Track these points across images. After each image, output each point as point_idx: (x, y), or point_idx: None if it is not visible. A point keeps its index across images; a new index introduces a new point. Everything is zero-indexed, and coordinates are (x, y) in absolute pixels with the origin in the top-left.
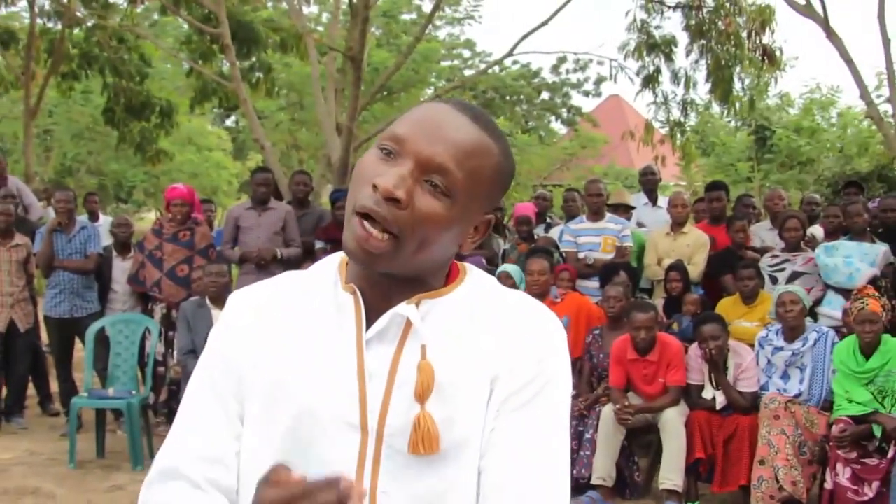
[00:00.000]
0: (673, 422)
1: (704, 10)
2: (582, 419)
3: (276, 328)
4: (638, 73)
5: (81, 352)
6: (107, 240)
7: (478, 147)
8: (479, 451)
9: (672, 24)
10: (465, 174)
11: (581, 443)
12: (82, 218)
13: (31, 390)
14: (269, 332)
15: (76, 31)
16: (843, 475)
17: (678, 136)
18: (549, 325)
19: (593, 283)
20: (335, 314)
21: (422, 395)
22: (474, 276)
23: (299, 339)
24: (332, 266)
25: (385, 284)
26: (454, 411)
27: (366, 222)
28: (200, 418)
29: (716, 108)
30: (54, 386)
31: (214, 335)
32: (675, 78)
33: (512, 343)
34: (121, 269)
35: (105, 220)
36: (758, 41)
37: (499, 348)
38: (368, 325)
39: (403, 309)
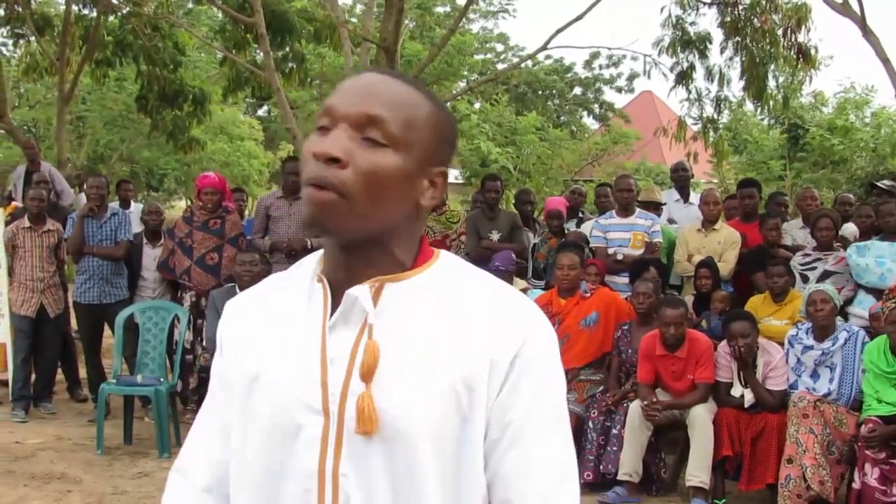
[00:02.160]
0: (701, 419)
1: (740, 7)
2: (609, 414)
3: (254, 326)
4: (672, 70)
5: (110, 338)
6: (137, 227)
7: (407, 98)
8: (438, 439)
9: (707, 21)
10: (399, 123)
11: (608, 438)
12: (113, 205)
13: (59, 376)
14: (248, 330)
15: (111, 18)
16: (872, 475)
17: (711, 133)
18: (520, 310)
19: (623, 279)
20: (307, 305)
21: (365, 375)
22: (446, 260)
23: (273, 332)
24: (312, 261)
25: (349, 265)
26: (410, 395)
27: (319, 192)
28: (204, 424)
29: (749, 105)
30: (83, 372)
31: (217, 344)
32: (708, 75)
33: (485, 335)
34: (151, 256)
35: (136, 208)
36: (793, 39)
37: (471, 340)
38: (333, 310)
39: (355, 290)
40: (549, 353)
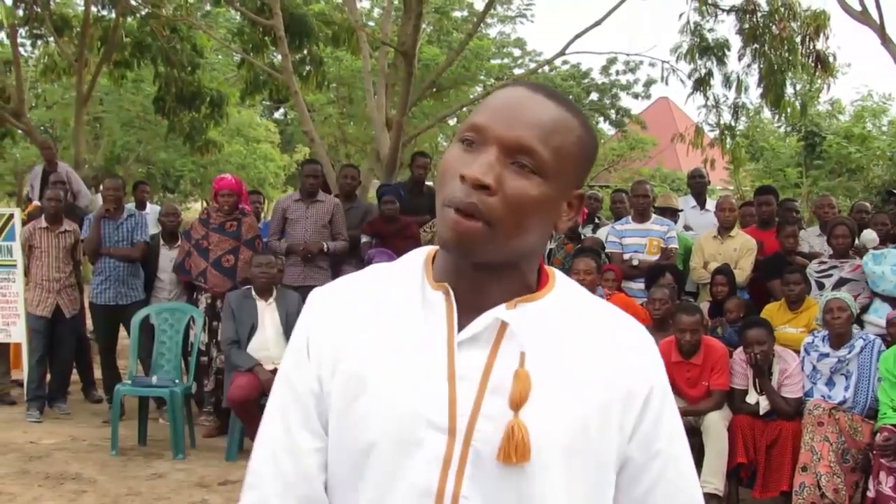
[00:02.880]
0: (715, 425)
1: (758, 14)
2: None
3: (358, 321)
4: (689, 76)
5: (126, 339)
6: (154, 229)
7: (558, 123)
8: (570, 467)
9: (725, 28)
10: (550, 151)
11: None
12: (130, 206)
13: (74, 376)
14: (351, 325)
15: (129, 19)
16: (886, 484)
17: (728, 140)
18: (645, 340)
19: (638, 285)
20: (422, 311)
21: (517, 403)
22: (562, 280)
23: (383, 334)
24: (417, 261)
25: (477, 281)
26: (547, 424)
27: (464, 220)
28: (280, 438)
29: (766, 112)
30: (98, 373)
31: (296, 336)
32: (726, 81)
33: (617, 364)
34: (167, 258)
35: (152, 209)
36: (811, 47)
37: (604, 367)
38: (459, 325)
39: (503, 313)
40: (668, 383)
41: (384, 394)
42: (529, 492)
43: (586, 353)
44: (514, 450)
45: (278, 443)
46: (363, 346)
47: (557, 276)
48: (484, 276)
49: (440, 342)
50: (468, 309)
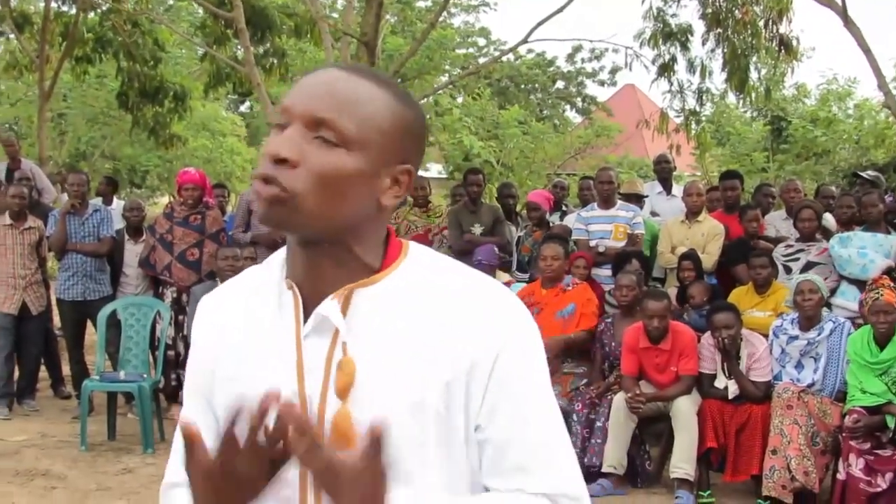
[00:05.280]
0: (685, 411)
1: None
2: (593, 407)
3: (227, 326)
4: (653, 62)
5: (93, 335)
6: (119, 223)
7: (363, 96)
8: (417, 448)
9: (688, 13)
10: (353, 123)
11: (592, 431)
12: (95, 201)
13: (43, 373)
14: (223, 331)
15: (90, 14)
16: (856, 466)
17: (693, 125)
18: (495, 304)
19: (605, 271)
20: (278, 308)
21: (341, 392)
22: (416, 255)
23: (249, 336)
24: (279, 260)
25: (312, 267)
26: (387, 408)
27: (265, 186)
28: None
29: (731, 97)
30: (66, 369)
31: (192, 342)
32: (690, 67)
33: (460, 339)
34: (133, 252)
35: (118, 204)
36: (774, 30)
37: (448, 344)
38: (307, 315)
39: (325, 308)
40: (531, 347)
41: (245, 394)
42: None
43: (426, 334)
44: (336, 439)
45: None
46: (231, 350)
47: (410, 253)
48: (317, 260)
49: (290, 338)
50: (314, 299)
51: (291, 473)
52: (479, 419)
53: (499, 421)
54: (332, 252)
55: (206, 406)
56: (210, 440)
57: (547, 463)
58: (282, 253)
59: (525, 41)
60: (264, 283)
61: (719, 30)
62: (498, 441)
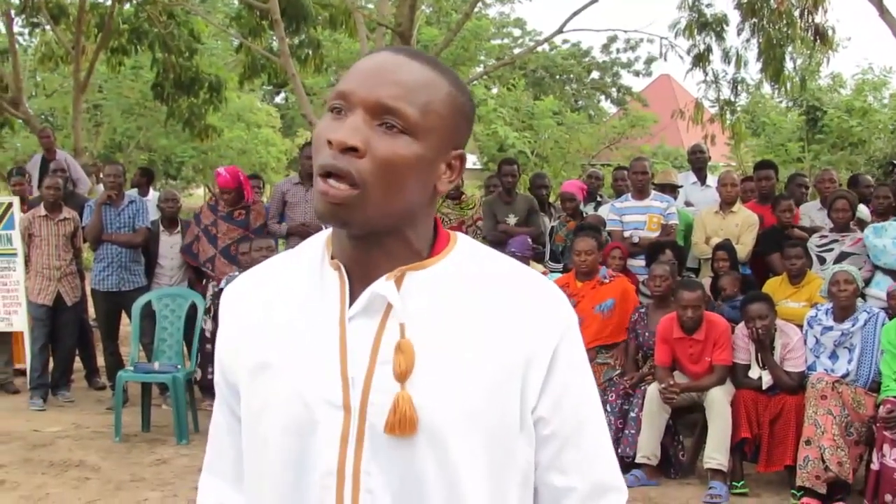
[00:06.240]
0: (719, 401)
1: None
2: (627, 398)
3: (261, 312)
4: (688, 52)
5: (128, 326)
6: (154, 215)
7: (423, 81)
8: (471, 435)
9: (723, 2)
10: (417, 109)
11: (626, 421)
12: (131, 192)
13: (77, 364)
14: (254, 317)
15: (126, 6)
16: (890, 456)
17: (728, 115)
18: (549, 299)
19: (639, 262)
20: (319, 291)
21: (401, 375)
22: (464, 245)
23: (284, 320)
24: (319, 242)
25: (363, 253)
26: (444, 393)
27: (329, 180)
28: (217, 421)
29: (767, 87)
30: (101, 360)
31: (217, 339)
32: (725, 57)
33: (517, 327)
34: (168, 244)
35: (153, 195)
36: (810, 20)
37: (504, 332)
38: (353, 300)
39: (380, 286)
40: (580, 341)
41: (282, 378)
42: (424, 464)
43: (482, 319)
44: (398, 423)
45: (221, 428)
46: (265, 334)
47: (459, 241)
48: (368, 247)
49: (333, 319)
50: (361, 282)
51: (330, 458)
52: (541, 411)
53: (564, 414)
54: (385, 241)
55: (232, 401)
56: (232, 436)
57: (603, 459)
58: (324, 235)
59: (560, 31)
60: (301, 264)
61: (754, 19)
62: (563, 435)
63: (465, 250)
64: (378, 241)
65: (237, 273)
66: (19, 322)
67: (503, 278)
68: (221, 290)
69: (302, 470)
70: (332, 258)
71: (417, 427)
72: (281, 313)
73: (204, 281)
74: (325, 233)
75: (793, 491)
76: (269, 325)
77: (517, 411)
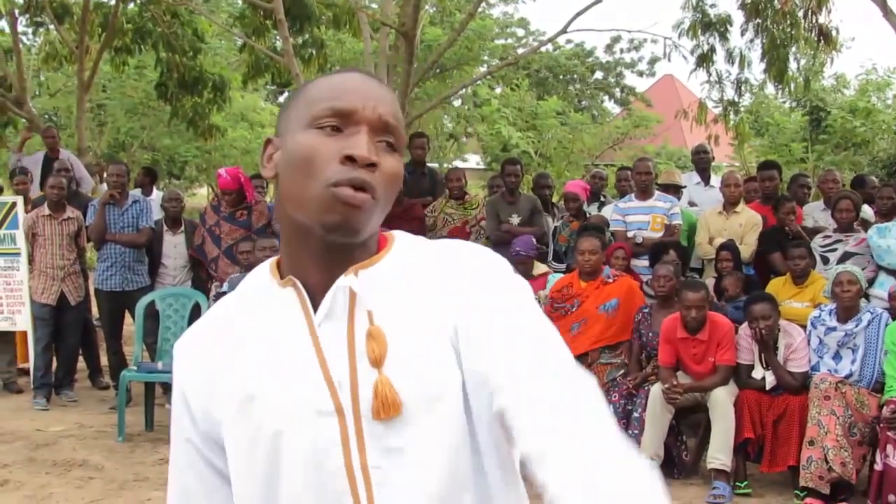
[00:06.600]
0: (722, 401)
1: None
2: (630, 398)
3: (227, 352)
4: (692, 52)
5: (131, 325)
6: (158, 214)
7: (395, 102)
8: (453, 400)
9: (727, 3)
10: (400, 128)
11: (629, 421)
12: (135, 192)
13: (81, 363)
14: (221, 358)
15: (130, 5)
16: (893, 456)
17: (732, 115)
18: (472, 262)
19: (643, 262)
20: (280, 313)
21: (377, 361)
22: (402, 239)
23: (253, 353)
24: (262, 273)
25: (344, 259)
26: (418, 368)
27: (359, 193)
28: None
29: (770, 88)
30: (104, 359)
31: (173, 398)
32: (729, 57)
33: (460, 287)
34: (171, 243)
35: (157, 195)
36: (814, 20)
37: (449, 296)
38: (315, 308)
39: (343, 281)
40: (498, 282)
41: (270, 402)
42: (417, 439)
43: (426, 301)
44: (382, 406)
45: (195, 495)
46: (241, 369)
47: (396, 237)
48: (345, 255)
49: (302, 331)
50: (321, 293)
51: (336, 464)
52: (479, 366)
53: (487, 352)
54: (357, 247)
55: (210, 454)
56: (205, 491)
57: (555, 357)
58: (263, 268)
59: (564, 32)
60: (251, 298)
61: (758, 20)
62: (490, 366)
63: (405, 244)
64: (353, 247)
65: (238, 274)
66: (23, 321)
67: (439, 258)
68: (223, 292)
69: (308, 482)
70: (282, 279)
71: (401, 408)
72: (250, 345)
73: (210, 281)
74: (265, 265)
75: (796, 491)
76: (242, 359)
77: (469, 374)
